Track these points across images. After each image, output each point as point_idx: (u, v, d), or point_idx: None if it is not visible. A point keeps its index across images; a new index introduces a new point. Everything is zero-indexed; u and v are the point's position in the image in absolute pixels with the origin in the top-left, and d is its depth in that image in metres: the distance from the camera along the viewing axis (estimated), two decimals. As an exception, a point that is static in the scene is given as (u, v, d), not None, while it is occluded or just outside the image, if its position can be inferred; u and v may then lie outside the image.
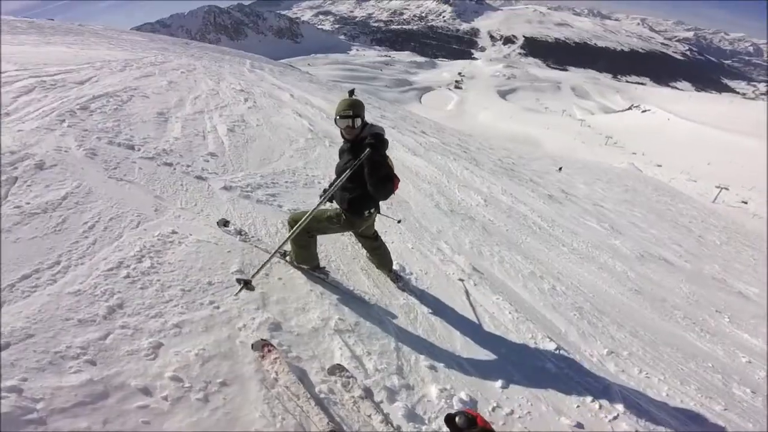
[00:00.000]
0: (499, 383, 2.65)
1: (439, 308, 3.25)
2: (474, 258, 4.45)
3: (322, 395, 2.13)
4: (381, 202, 2.85)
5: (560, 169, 18.22)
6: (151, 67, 9.41)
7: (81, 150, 3.82)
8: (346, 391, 2.19)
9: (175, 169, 4.07)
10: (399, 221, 4.31)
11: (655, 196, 19.16)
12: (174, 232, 2.98)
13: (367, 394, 2.20)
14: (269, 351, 2.22)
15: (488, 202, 7.08)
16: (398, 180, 2.56)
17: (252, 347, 2.23)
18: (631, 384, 3.17)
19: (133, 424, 1.73)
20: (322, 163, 5.81)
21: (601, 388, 2.90)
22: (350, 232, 3.29)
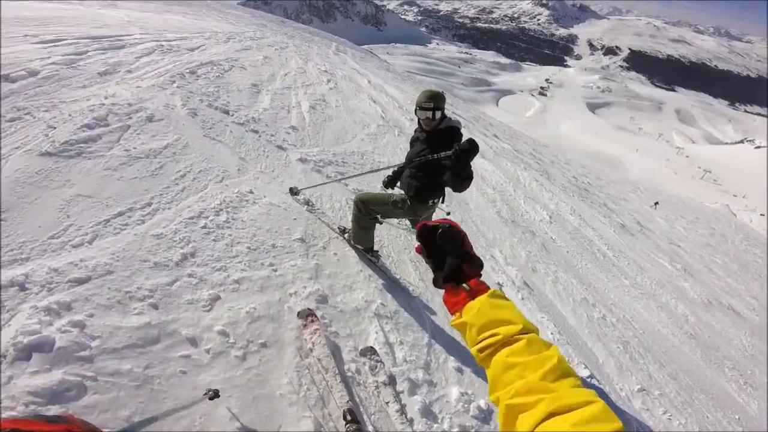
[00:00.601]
0: None
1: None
2: (527, 273, 4.36)
3: (348, 374, 2.20)
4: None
5: (656, 204, 16.49)
6: (250, 42, 10.18)
7: (185, 109, 4.33)
8: (372, 375, 2.24)
9: (260, 136, 4.47)
10: (448, 213, 4.33)
11: (743, 245, 16.88)
12: (251, 192, 3.30)
13: (391, 381, 2.23)
14: (312, 321, 2.30)
15: (553, 220, 6.79)
16: None
17: (297, 315, 2.34)
18: (649, 423, 3.00)
19: (171, 371, 1.80)
20: (389, 150, 5.98)
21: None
22: (407, 225, 3.40)
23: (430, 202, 2.79)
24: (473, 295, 0.84)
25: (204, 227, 2.73)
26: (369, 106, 8.07)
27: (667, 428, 3.08)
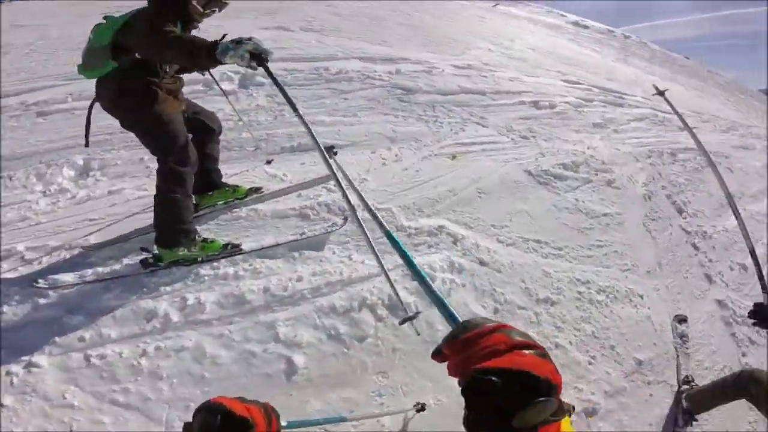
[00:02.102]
0: None
1: None
2: None
3: None
4: None
5: None
6: (754, 140, 8.33)
7: (643, 188, 4.28)
8: None
9: (696, 255, 3.81)
10: None
11: None
12: (641, 297, 3.07)
13: None
14: None
15: None
16: None
17: None
18: None
19: None
20: None
21: None
22: None
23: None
24: None
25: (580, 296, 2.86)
26: None
27: None
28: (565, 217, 3.48)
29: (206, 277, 2.41)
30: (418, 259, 2.32)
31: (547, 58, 8.04)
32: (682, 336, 2.95)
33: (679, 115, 3.10)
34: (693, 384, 2.61)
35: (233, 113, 3.63)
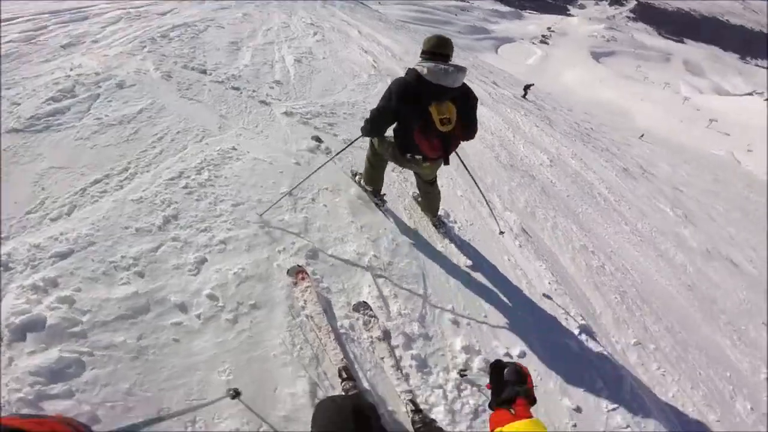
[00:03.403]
0: (517, 351, 2.58)
1: (477, 264, 3.18)
2: (525, 218, 4.26)
3: (342, 330, 2.15)
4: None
5: (642, 136, 16.33)
6: (229, 0, 9.54)
7: (158, 72, 4.07)
8: (366, 330, 2.18)
9: (241, 93, 4.26)
10: (501, 233, 3.85)
11: (746, 192, 16.76)
12: (234, 149, 3.16)
13: (386, 336, 2.18)
14: (303, 278, 2.23)
15: (554, 164, 6.63)
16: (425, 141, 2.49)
17: (287, 272, 2.27)
18: (644, 378, 3.01)
19: (164, 341, 1.77)
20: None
21: (613, 377, 2.75)
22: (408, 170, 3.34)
23: (408, 155, 2.66)
24: (516, 418, 1.01)
25: (185, 187, 2.62)
26: (360, 56, 7.68)
27: (660, 384, 3.08)
28: (100, 140, 2.87)
29: None
30: None
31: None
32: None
33: None
34: (358, 174, 3.13)
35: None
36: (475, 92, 2.72)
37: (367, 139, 2.92)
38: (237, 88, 4.30)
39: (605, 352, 2.95)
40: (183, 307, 1.92)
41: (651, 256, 5.33)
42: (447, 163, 2.66)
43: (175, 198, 2.50)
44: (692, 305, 4.71)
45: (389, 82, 2.59)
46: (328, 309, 2.23)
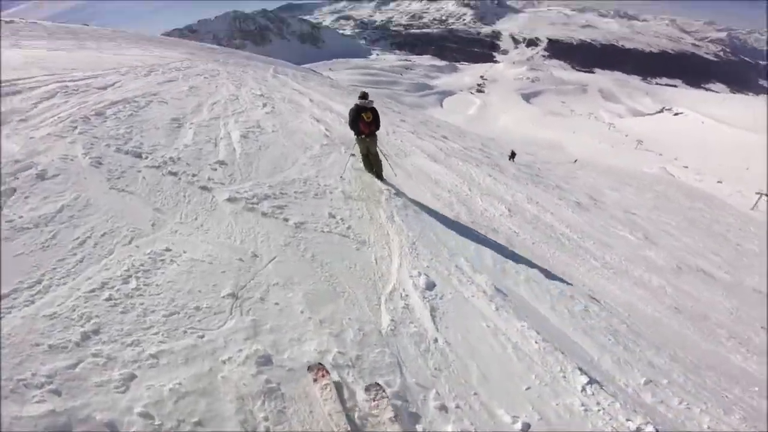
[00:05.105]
0: (518, 426, 2.32)
1: (455, 337, 2.94)
2: (497, 276, 4.08)
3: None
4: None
5: (575, 161, 17.68)
6: (176, 72, 9.48)
7: (87, 158, 3.73)
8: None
9: (180, 178, 3.92)
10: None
11: (688, 203, 18.15)
12: (167, 250, 2.80)
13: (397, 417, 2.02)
14: (323, 375, 2.14)
15: (513, 212, 6.68)
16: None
17: (308, 369, 2.18)
18: (669, 416, 2.79)
19: None
20: (336, 170, 5.53)
21: (633, 429, 2.51)
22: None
23: (357, 136, 5.49)
24: None
25: (109, 299, 2.29)
26: (311, 125, 7.67)
27: (689, 418, 2.86)
28: (10, 248, 2.45)
29: None
30: None
31: None
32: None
33: None
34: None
35: None
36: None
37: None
38: (175, 174, 3.97)
39: (616, 402, 2.70)
40: (112, 425, 1.72)
41: (628, 286, 5.32)
42: (369, 137, 5.45)
43: (96, 312, 2.20)
44: (686, 327, 4.66)
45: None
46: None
